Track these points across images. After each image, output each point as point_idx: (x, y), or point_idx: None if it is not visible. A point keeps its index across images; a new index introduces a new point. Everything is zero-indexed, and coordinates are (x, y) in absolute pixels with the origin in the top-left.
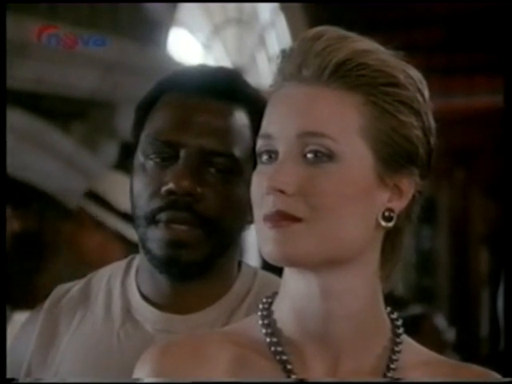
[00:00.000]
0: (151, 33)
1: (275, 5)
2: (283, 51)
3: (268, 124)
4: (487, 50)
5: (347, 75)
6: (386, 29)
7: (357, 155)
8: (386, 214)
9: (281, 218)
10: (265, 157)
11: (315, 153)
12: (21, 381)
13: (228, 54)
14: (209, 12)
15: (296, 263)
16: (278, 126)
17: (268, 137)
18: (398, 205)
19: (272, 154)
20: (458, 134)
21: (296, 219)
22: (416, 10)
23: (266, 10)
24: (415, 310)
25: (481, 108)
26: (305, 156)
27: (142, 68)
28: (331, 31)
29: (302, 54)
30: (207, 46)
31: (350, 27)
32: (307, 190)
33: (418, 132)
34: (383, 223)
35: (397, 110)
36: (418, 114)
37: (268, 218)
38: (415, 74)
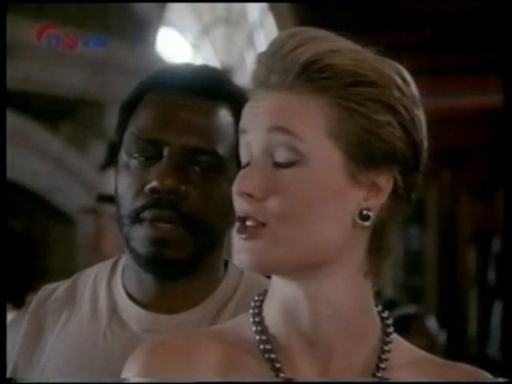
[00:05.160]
0: (140, 32)
1: (264, 5)
2: (258, 56)
3: (242, 120)
4: (476, 50)
5: (311, 78)
6: (374, 29)
7: (325, 156)
8: (364, 212)
9: (250, 222)
10: (245, 162)
11: (285, 156)
12: (19, 381)
13: (217, 53)
14: (197, 12)
15: (268, 271)
16: (250, 121)
17: (243, 131)
18: (375, 202)
19: (250, 161)
20: (447, 135)
21: (263, 225)
22: (405, 11)
23: (254, 10)
24: (407, 309)
25: (469, 108)
26: (275, 162)
27: (130, 67)
28: (300, 33)
29: (269, 59)
30: (196, 46)
31: (338, 27)
32: (275, 194)
33: (394, 128)
34: (360, 222)
35: (367, 109)
36: (393, 109)
37: (237, 224)
38: (391, 68)
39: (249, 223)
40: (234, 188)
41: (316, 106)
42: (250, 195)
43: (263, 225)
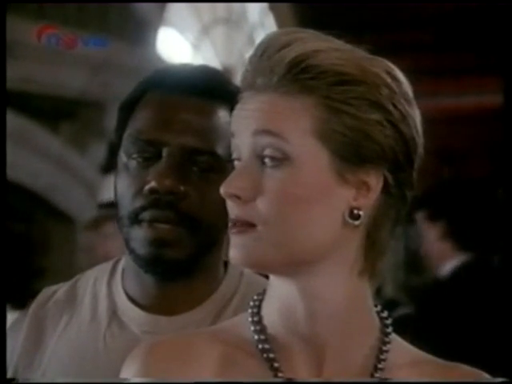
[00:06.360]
0: (140, 33)
1: (264, 5)
2: (248, 58)
3: (231, 124)
4: (476, 50)
5: (297, 79)
6: (374, 29)
7: (312, 156)
8: (355, 211)
9: (239, 224)
10: (235, 164)
11: (271, 157)
12: (20, 381)
13: (217, 53)
14: (198, 12)
15: (258, 268)
16: (238, 124)
17: (232, 134)
18: (366, 201)
19: (239, 163)
20: (447, 135)
21: (252, 225)
22: (405, 11)
23: (254, 10)
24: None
25: (469, 108)
26: (262, 163)
27: (131, 68)
28: (286, 34)
29: (256, 61)
30: (196, 46)
31: (338, 27)
32: (263, 195)
33: (383, 127)
34: (350, 221)
35: (354, 108)
36: (381, 107)
37: (229, 224)
38: (380, 66)
39: (239, 224)
40: (222, 190)
41: (302, 107)
42: (237, 197)
43: (253, 226)
